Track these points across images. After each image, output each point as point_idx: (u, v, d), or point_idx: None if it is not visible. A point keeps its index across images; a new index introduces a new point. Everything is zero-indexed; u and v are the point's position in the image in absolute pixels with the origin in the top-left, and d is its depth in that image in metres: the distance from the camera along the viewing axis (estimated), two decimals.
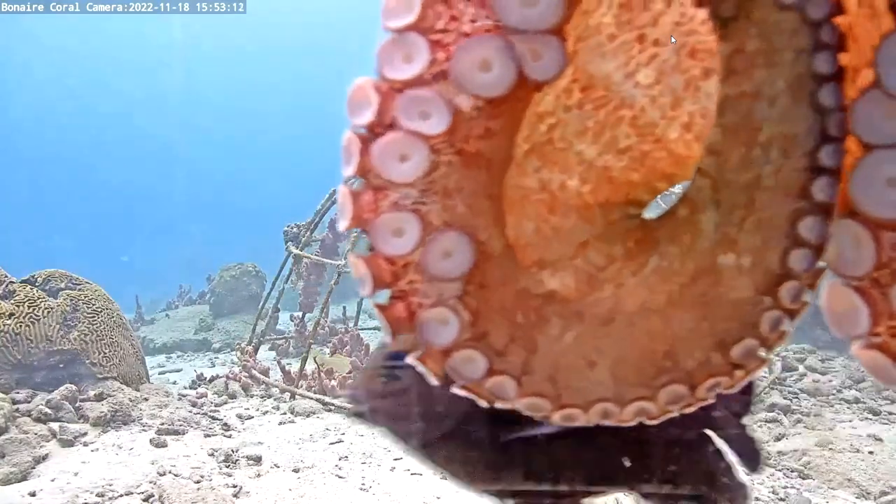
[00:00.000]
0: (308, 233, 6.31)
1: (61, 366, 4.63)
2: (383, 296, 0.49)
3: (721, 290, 0.51)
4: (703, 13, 0.55)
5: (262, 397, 5.30)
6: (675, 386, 0.51)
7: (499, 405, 0.50)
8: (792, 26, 0.48)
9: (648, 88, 0.58)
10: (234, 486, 3.27)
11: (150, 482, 3.29)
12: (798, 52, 0.48)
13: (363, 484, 3.36)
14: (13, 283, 4.87)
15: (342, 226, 0.48)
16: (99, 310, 5.01)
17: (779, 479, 3.40)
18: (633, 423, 0.52)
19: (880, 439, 3.93)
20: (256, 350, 6.26)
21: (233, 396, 5.34)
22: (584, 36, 0.55)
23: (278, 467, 3.61)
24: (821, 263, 0.50)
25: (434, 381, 0.49)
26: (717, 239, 0.53)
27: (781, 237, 0.50)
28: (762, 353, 0.51)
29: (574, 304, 0.54)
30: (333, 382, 5.22)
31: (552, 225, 0.58)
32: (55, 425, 3.93)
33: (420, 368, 0.49)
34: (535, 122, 0.57)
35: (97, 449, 3.81)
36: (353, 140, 0.48)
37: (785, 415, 4.40)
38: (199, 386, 5.88)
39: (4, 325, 4.50)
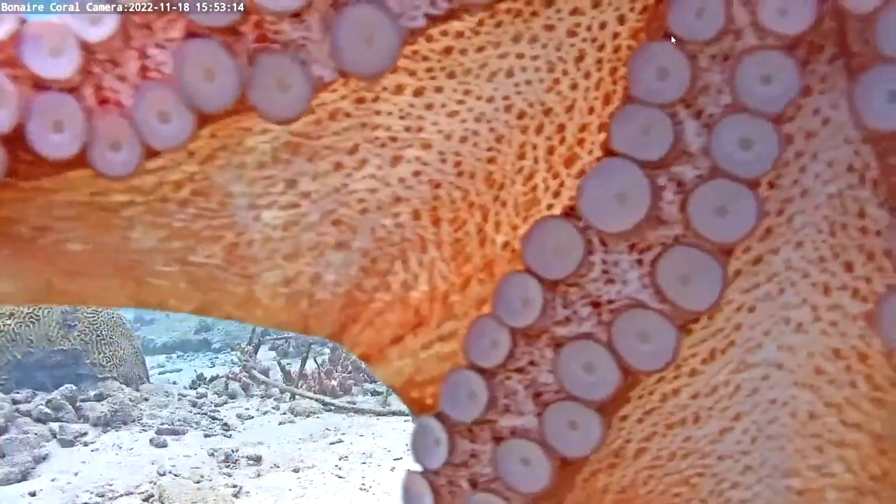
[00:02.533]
0: None
1: (61, 366, 4.63)
2: None
3: None
4: (364, 190, 0.56)
5: (262, 397, 5.30)
6: None
7: None
8: None
9: (270, 228, 0.56)
10: (234, 486, 3.28)
11: (150, 482, 3.29)
12: None
13: (363, 484, 3.36)
14: None
15: None
16: (99, 309, 5.01)
17: None
18: None
19: None
20: (256, 350, 6.26)
21: (233, 396, 5.34)
22: (231, 148, 0.53)
23: (278, 467, 3.61)
24: None
25: None
26: None
27: None
28: None
29: None
30: (333, 382, 5.22)
31: None
32: (55, 425, 3.93)
33: None
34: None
35: (97, 449, 3.80)
36: None
37: None
38: (199, 386, 5.88)
39: (4, 325, 4.51)
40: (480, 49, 0.54)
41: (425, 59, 0.53)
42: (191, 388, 5.88)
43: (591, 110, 0.55)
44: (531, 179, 0.56)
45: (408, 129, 0.54)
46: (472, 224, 0.57)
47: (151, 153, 0.48)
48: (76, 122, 0.47)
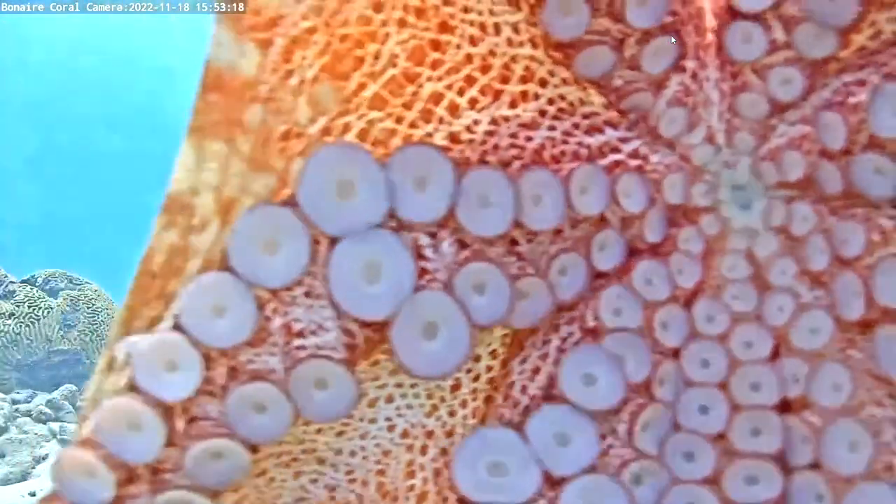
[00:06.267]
0: None
1: (61, 366, 4.65)
2: None
3: None
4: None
5: None
6: None
7: None
8: None
9: None
10: None
11: None
12: None
13: None
14: (13, 283, 4.89)
15: None
16: (99, 310, 5.03)
17: None
18: None
19: None
20: None
21: None
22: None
23: None
24: None
25: None
26: None
27: None
28: None
29: None
30: None
31: None
32: (55, 425, 3.95)
33: None
34: None
35: None
36: None
37: None
38: None
39: (4, 325, 4.53)
40: (359, 382, 0.55)
41: None
42: None
43: None
44: (424, 501, 0.58)
45: (304, 451, 0.56)
46: None
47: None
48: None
